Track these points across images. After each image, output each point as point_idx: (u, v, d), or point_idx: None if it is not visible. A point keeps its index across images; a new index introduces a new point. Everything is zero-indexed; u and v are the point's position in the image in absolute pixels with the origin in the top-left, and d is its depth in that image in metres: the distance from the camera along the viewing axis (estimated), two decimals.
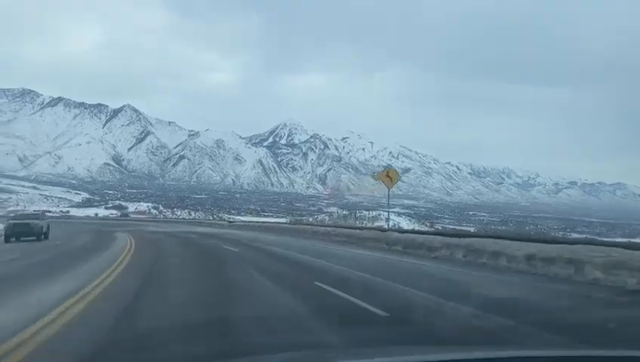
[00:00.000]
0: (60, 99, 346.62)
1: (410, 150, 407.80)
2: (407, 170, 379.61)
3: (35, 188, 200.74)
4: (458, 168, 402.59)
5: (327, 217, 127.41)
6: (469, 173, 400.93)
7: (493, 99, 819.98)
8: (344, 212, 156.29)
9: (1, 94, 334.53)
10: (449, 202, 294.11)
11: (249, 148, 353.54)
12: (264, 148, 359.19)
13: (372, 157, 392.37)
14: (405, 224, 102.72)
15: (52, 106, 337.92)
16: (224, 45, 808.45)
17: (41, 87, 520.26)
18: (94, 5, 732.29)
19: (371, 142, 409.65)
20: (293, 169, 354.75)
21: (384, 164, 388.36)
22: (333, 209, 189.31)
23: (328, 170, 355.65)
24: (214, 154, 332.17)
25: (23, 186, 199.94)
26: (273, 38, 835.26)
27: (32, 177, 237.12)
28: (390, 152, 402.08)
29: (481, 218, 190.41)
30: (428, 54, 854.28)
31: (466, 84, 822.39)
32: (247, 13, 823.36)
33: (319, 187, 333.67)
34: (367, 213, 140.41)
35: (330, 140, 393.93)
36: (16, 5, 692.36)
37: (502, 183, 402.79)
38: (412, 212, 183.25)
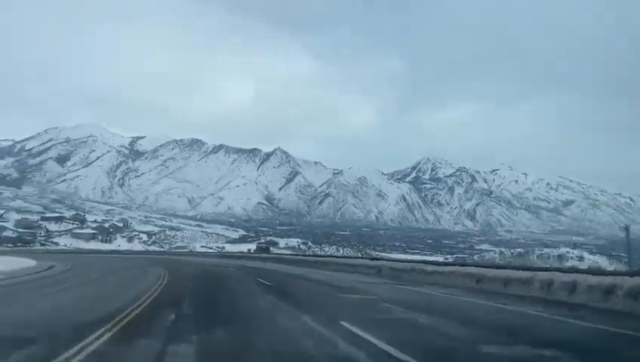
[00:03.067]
0: (221, 146, 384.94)
1: (571, 181, 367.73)
2: (569, 203, 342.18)
3: (199, 226, 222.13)
4: (631, 199, 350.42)
5: (497, 256, 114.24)
6: None
7: None
8: (518, 250, 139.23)
9: (175, 145, 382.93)
10: (623, 238, 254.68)
11: (391, 184, 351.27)
12: (407, 184, 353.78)
13: (527, 189, 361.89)
14: (607, 264, 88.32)
15: (215, 153, 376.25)
16: (365, 85, 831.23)
17: (206, 137, 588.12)
18: (248, 61, 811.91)
19: (525, 174, 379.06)
20: (439, 204, 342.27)
21: (541, 197, 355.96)
22: (487, 246, 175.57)
23: (477, 205, 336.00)
24: (357, 191, 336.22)
25: (190, 225, 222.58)
26: (414, 74, 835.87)
27: (198, 216, 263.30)
28: (548, 183, 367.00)
29: None
30: (586, 76, 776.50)
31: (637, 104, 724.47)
32: (387, 52, 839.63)
33: (468, 223, 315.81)
34: (548, 250, 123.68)
35: (478, 173, 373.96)
36: (187, 67, 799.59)
37: None
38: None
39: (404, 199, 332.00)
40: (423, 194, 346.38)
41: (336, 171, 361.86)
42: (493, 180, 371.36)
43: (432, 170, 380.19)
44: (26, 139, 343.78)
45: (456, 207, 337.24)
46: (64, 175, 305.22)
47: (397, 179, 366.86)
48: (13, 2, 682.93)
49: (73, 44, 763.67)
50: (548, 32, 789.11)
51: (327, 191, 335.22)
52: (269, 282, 18.26)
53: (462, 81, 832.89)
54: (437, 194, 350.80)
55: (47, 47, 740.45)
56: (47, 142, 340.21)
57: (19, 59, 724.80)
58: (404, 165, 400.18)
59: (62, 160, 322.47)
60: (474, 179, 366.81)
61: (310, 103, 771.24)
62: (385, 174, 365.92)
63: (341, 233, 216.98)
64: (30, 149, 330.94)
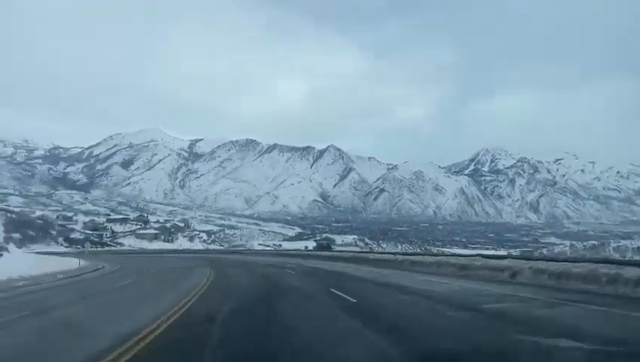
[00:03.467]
0: (275, 145, 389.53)
1: None
2: None
3: (256, 224, 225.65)
4: None
5: (568, 249, 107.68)
6: None
7: None
8: (591, 242, 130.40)
9: (231, 146, 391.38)
10: None
11: (449, 177, 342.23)
12: (465, 177, 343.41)
13: (594, 178, 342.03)
14: None
15: (269, 152, 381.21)
16: (419, 78, 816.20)
17: (260, 137, 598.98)
18: (299, 59, 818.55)
19: (592, 162, 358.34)
20: (500, 197, 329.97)
21: (611, 186, 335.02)
22: (553, 239, 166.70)
23: (540, 196, 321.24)
24: (413, 185, 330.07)
25: (247, 223, 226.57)
26: (468, 64, 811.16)
27: (255, 215, 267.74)
28: (618, 172, 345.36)
29: None
30: None
31: None
32: (440, 43, 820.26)
33: (531, 215, 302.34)
34: (626, 242, 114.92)
35: (541, 163, 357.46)
36: (239, 68, 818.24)
37: None
38: None
39: (463, 192, 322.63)
40: (482, 187, 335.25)
41: (391, 166, 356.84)
42: (557, 170, 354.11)
43: (492, 162, 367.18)
44: (93, 146, 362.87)
45: (518, 200, 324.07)
46: (129, 178, 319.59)
47: (455, 172, 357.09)
48: (73, 9, 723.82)
49: (131, 48, 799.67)
50: (612, 13, 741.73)
51: (382, 187, 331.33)
52: (351, 297, 12.04)
53: (519, 67, 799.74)
54: (497, 186, 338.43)
55: (106, 55, 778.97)
56: (112, 148, 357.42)
57: (79, 63, 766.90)
58: (462, 157, 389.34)
59: (126, 164, 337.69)
60: (536, 169, 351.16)
61: (362, 99, 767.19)
62: (442, 168, 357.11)
63: (398, 229, 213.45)
64: (97, 155, 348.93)
